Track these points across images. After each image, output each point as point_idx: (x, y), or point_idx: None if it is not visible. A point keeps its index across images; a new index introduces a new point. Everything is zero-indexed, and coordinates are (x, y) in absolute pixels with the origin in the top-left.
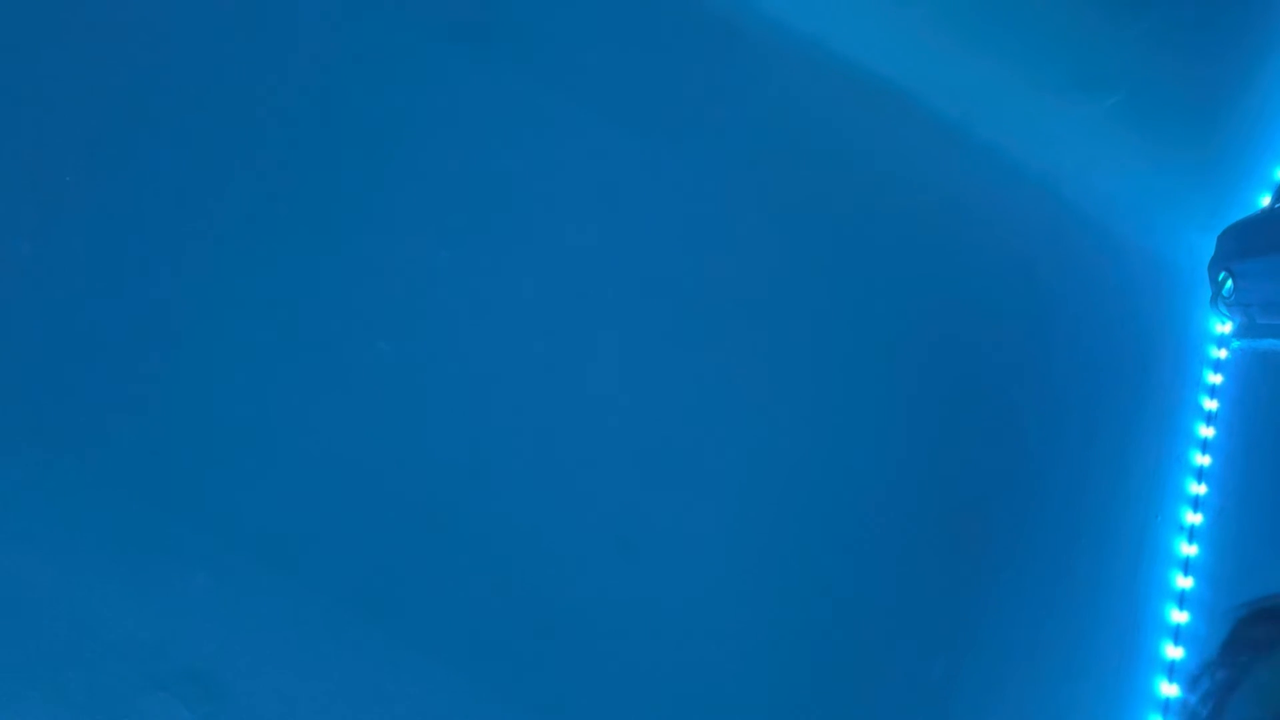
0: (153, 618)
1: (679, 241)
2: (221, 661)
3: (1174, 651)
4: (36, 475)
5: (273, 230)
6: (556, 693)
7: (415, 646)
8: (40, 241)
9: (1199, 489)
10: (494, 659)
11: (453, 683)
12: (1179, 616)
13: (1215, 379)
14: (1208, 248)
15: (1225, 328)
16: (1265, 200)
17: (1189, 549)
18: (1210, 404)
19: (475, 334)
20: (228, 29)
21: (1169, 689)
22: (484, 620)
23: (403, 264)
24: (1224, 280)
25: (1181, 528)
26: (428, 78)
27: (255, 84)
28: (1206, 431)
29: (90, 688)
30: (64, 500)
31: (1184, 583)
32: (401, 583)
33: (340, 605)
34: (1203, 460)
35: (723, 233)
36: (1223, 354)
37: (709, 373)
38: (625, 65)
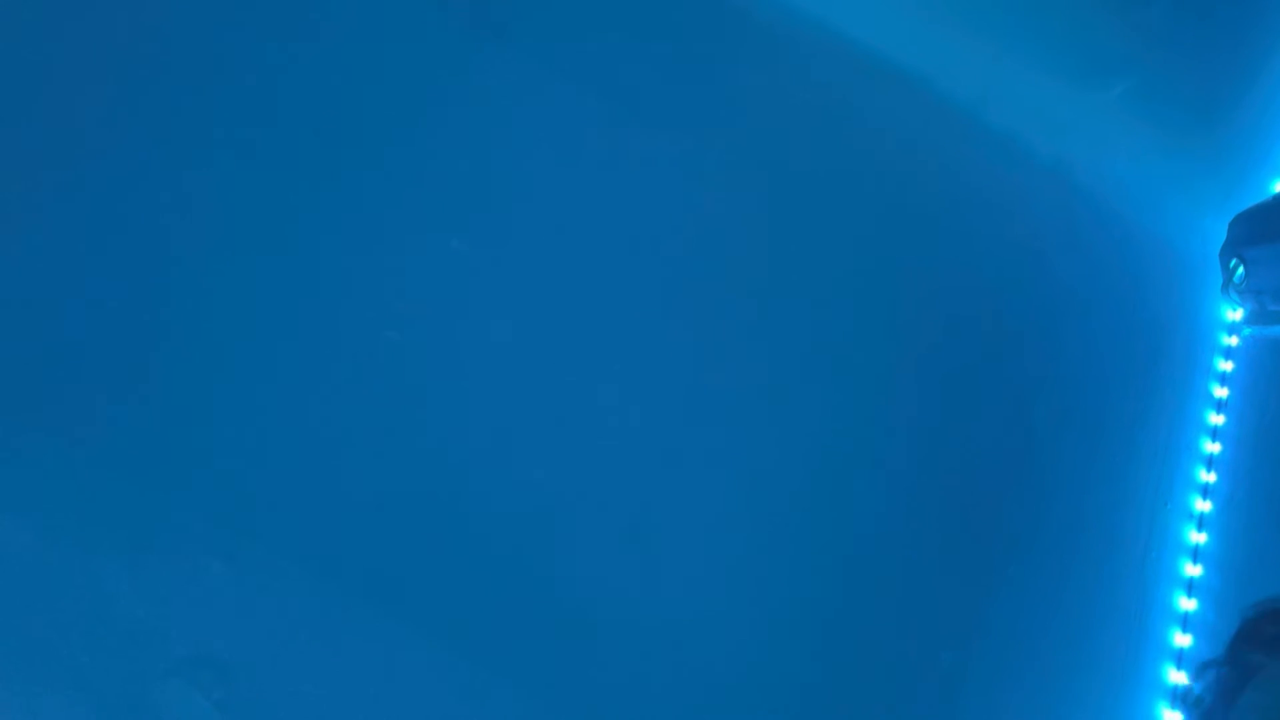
0: (167, 605)
1: (689, 230)
2: (236, 648)
3: (1182, 639)
4: (50, 466)
5: (282, 219)
6: (565, 680)
7: (427, 634)
8: (48, 233)
9: (1209, 477)
10: (503, 646)
11: (464, 669)
12: (1188, 604)
13: (1226, 366)
14: (1219, 234)
15: (1236, 314)
16: (1278, 186)
17: (1198, 537)
18: (1221, 391)
19: (484, 323)
20: (234, 18)
21: (1178, 676)
22: (494, 608)
23: (411, 253)
24: (1235, 267)
25: (1191, 515)
26: (437, 67)
27: (263, 73)
28: (1217, 419)
29: (105, 674)
30: (78, 490)
31: (1193, 571)
32: (413, 570)
33: (352, 591)
34: (1213, 448)
35: (732, 220)
36: (1234, 341)
37: (717, 363)
38: (635, 52)
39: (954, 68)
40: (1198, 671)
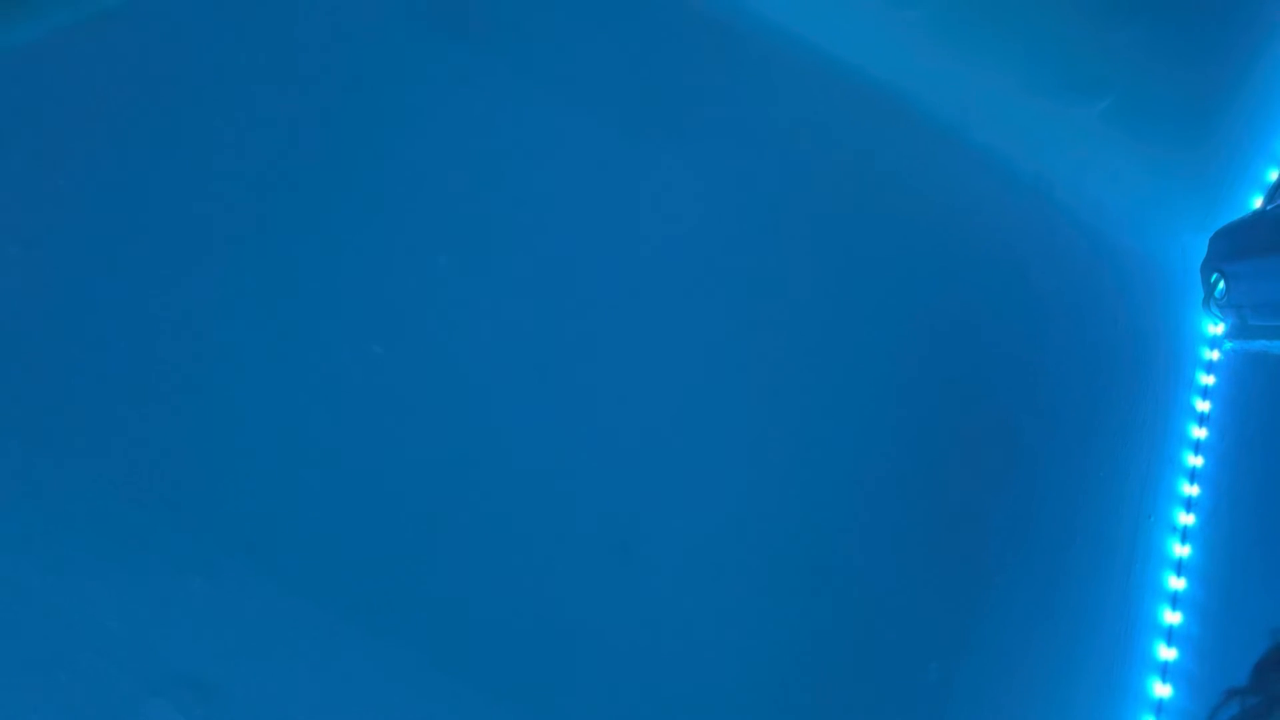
0: (147, 622)
1: (674, 245)
2: (216, 666)
3: (1167, 652)
4: (31, 480)
5: (267, 234)
6: (553, 695)
7: (411, 649)
8: (34, 245)
9: (1191, 490)
10: (489, 662)
11: (448, 685)
12: (1172, 617)
13: (1208, 380)
14: (1200, 249)
15: (1218, 329)
16: (1257, 202)
17: (1182, 550)
18: (1203, 405)
19: (470, 337)
20: (225, 31)
21: (1162, 689)
22: (480, 623)
23: (397, 267)
24: (1216, 282)
25: (1174, 528)
26: (425, 83)
27: (251, 88)
28: (1199, 433)
29: (86, 693)
30: (58, 505)
31: (1177, 583)
32: (397, 586)
33: (335, 608)
34: (1195, 461)
35: (717, 236)
36: (1215, 355)
37: (703, 377)
38: (622, 69)
39: (936, 86)
40: (1221, 700)
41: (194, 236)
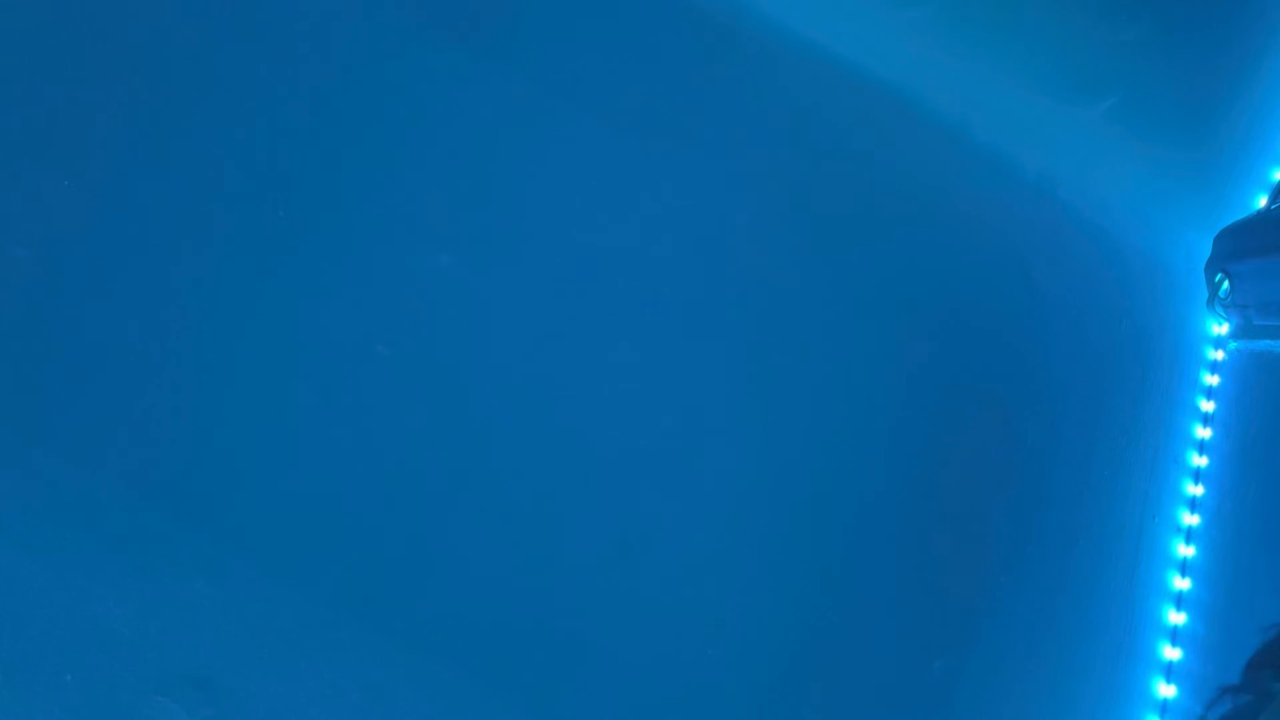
0: (153, 622)
1: (677, 246)
2: (221, 666)
3: (1171, 652)
4: (37, 481)
5: (271, 234)
6: (555, 693)
7: (414, 649)
8: (38, 247)
9: (1196, 490)
10: (492, 660)
11: (452, 684)
12: (1176, 618)
13: (1212, 380)
14: (1204, 249)
15: (1222, 329)
16: (1262, 201)
17: (1186, 550)
18: (1207, 405)
19: (473, 338)
20: (226, 35)
21: (1166, 689)
22: (483, 623)
23: (401, 268)
24: (1220, 281)
25: (1179, 529)
26: (428, 84)
27: (254, 89)
28: (1204, 433)
29: (91, 692)
30: (64, 506)
31: (1181, 584)
32: (400, 586)
33: (339, 608)
34: (1200, 461)
35: (720, 236)
36: (1219, 355)
37: (707, 376)
38: (625, 69)
39: (940, 86)
40: (1215, 696)
41: (197, 238)
